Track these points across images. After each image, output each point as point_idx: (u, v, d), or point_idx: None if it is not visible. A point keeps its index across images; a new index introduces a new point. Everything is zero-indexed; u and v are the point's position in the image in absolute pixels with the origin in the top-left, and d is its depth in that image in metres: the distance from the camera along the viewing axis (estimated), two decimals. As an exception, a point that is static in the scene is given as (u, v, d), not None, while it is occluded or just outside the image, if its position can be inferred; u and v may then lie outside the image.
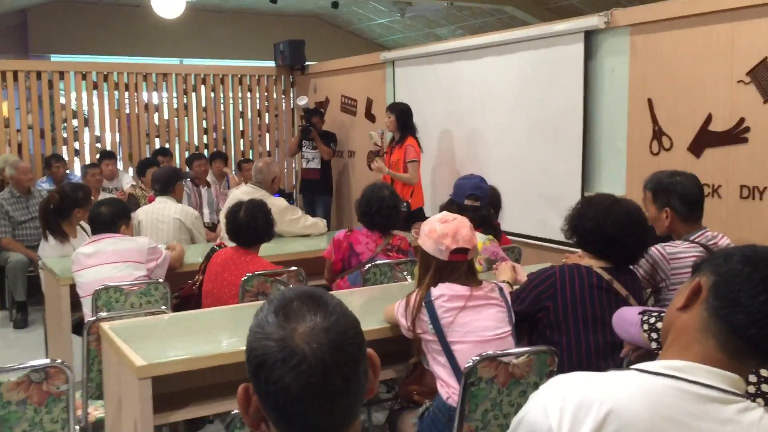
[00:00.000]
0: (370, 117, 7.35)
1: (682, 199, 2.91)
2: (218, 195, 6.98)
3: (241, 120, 8.45)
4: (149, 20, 9.28)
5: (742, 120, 3.99)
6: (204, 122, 8.24)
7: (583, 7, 8.98)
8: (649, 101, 4.50)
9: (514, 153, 5.59)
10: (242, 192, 4.80)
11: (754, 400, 1.17)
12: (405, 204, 5.47)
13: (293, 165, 8.70)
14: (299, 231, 4.91)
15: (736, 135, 4.02)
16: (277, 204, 4.69)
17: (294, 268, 3.55)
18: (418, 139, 5.81)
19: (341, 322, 1.05)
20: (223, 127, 8.36)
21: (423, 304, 2.51)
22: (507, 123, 5.65)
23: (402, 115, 5.78)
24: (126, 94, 7.78)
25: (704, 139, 4.18)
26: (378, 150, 5.84)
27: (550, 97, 5.22)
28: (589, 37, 4.88)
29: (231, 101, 8.41)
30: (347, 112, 7.71)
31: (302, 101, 7.44)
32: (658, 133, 4.44)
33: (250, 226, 3.52)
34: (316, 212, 7.31)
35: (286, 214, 4.84)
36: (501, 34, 5.67)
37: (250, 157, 8.22)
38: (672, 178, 2.95)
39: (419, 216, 5.64)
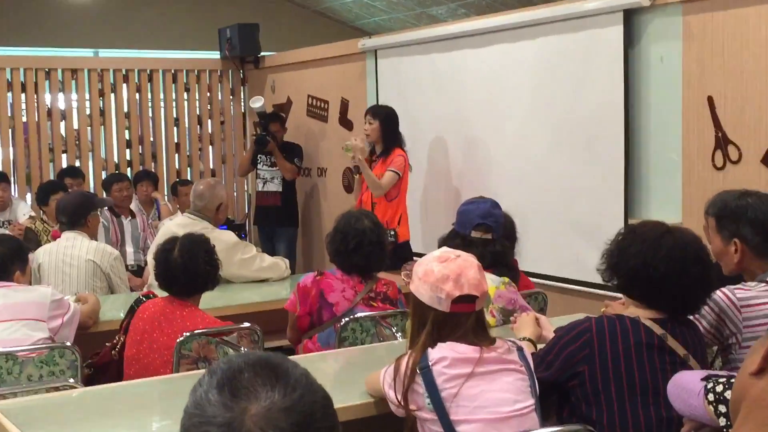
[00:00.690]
0: (346, 123, 7.32)
1: (756, 227, 2.91)
2: (145, 228, 6.94)
3: (175, 129, 8.39)
4: (54, 1, 9.23)
5: (830, 123, 4.08)
6: (126, 132, 8.21)
7: (621, -21, 9.01)
8: (710, 100, 4.54)
9: (534, 169, 5.59)
10: (177, 224, 4.84)
11: None
12: (391, 233, 5.51)
13: (245, 187, 8.66)
14: (253, 275, 4.95)
15: (824, 143, 4.09)
16: (223, 239, 4.72)
17: (247, 324, 3.55)
18: (407, 152, 5.87)
19: (307, 400, 1.04)
20: (152, 139, 8.29)
21: (417, 370, 2.50)
22: (525, 130, 5.64)
23: (388, 121, 5.85)
24: (23, 96, 7.70)
25: (782, 149, 4.25)
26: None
27: (580, 96, 5.23)
28: (631, 17, 4.91)
29: (162, 105, 8.28)
30: (316, 117, 7.71)
31: (256, 104, 7.45)
32: (722, 142, 4.50)
33: (188, 269, 3.54)
34: (276, 250, 7.27)
35: (235, 252, 4.87)
36: (517, 15, 5.68)
37: (188, 178, 8.18)
38: (741, 201, 2.97)
39: (405, 252, 5.66)
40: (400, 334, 3.70)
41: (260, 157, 7.47)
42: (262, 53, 8.40)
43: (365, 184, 5.80)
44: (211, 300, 3.91)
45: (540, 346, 2.89)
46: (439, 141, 6.38)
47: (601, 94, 5.10)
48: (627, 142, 4.98)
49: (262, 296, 4.63)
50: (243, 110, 8.67)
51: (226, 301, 4.39)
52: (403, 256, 5.46)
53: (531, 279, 4.69)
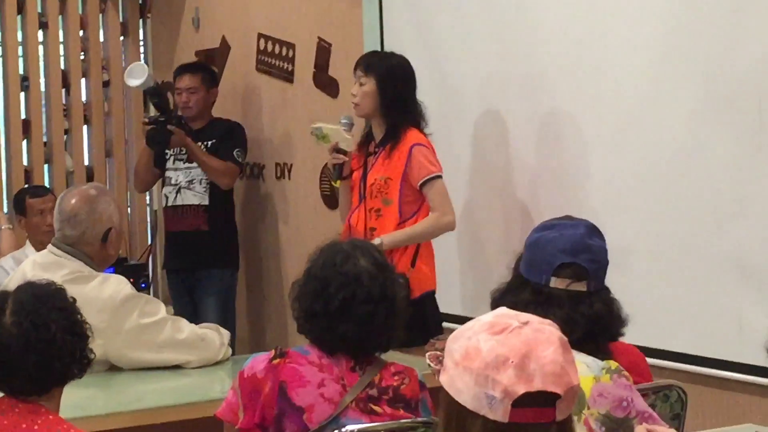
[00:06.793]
0: (327, 84, 6.21)
1: None
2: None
3: (22, 96, 6.90)
4: None
5: None
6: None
7: None
8: None
9: (662, 166, 4.84)
10: (35, 264, 4.40)
11: None
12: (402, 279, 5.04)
13: (147, 200, 7.35)
14: (160, 357, 4.33)
15: None
16: (106, 293, 4.21)
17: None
18: (428, 136, 5.12)
19: None
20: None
21: None
22: (646, 98, 4.84)
23: (392, 80, 5.05)
24: None
25: None
26: (341, 163, 5.15)
27: (746, 35, 4.48)
28: None
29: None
30: (273, 73, 6.54)
31: (135, 79, 6.18)
32: None
33: (32, 344, 3.10)
34: (200, 311, 6.14)
35: (127, 313, 4.26)
36: None
37: (45, 184, 6.79)
38: None
39: (427, 314, 4.95)
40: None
41: (171, 150, 6.23)
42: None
43: (356, 193, 5.07)
44: (83, 400, 3.63)
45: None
46: (492, 119, 5.46)
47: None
48: None
49: (176, 395, 4.13)
50: (143, 59, 7.29)
51: (110, 403, 3.95)
52: (423, 321, 4.65)
53: (650, 361, 4.03)
